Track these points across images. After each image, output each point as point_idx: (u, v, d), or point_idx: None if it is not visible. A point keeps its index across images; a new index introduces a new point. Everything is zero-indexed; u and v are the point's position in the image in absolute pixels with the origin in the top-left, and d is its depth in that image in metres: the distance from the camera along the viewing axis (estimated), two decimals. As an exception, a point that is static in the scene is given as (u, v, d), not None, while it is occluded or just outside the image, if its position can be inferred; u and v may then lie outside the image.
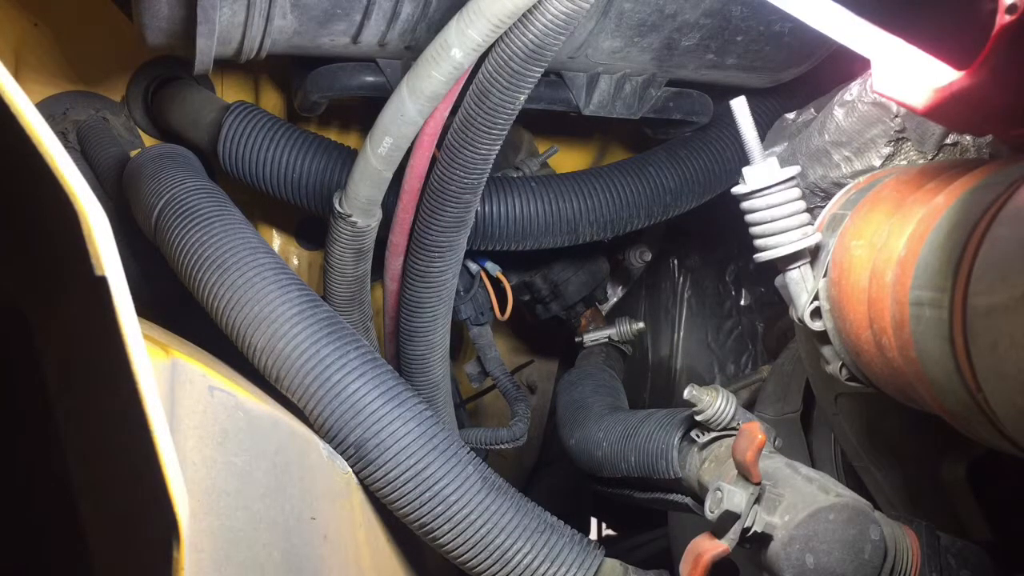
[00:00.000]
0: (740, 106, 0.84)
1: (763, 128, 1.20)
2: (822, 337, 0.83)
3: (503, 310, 1.40)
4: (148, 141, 1.42)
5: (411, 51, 1.13)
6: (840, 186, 0.96)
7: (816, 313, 0.82)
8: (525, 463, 1.72)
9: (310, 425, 0.94)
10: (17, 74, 1.32)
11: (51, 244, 0.64)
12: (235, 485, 0.77)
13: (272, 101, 1.44)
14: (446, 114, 1.04)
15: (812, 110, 1.18)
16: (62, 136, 1.36)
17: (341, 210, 1.12)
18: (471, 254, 1.35)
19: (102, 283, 0.63)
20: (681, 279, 1.58)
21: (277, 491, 0.83)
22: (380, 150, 1.04)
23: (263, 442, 0.83)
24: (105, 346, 0.61)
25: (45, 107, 1.35)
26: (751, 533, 0.77)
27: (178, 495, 0.58)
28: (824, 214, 0.87)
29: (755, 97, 1.16)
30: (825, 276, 0.82)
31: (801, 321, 0.83)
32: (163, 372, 0.74)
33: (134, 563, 0.67)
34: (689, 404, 0.93)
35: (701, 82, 1.32)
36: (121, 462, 0.66)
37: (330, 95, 1.22)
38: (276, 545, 0.80)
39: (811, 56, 1.29)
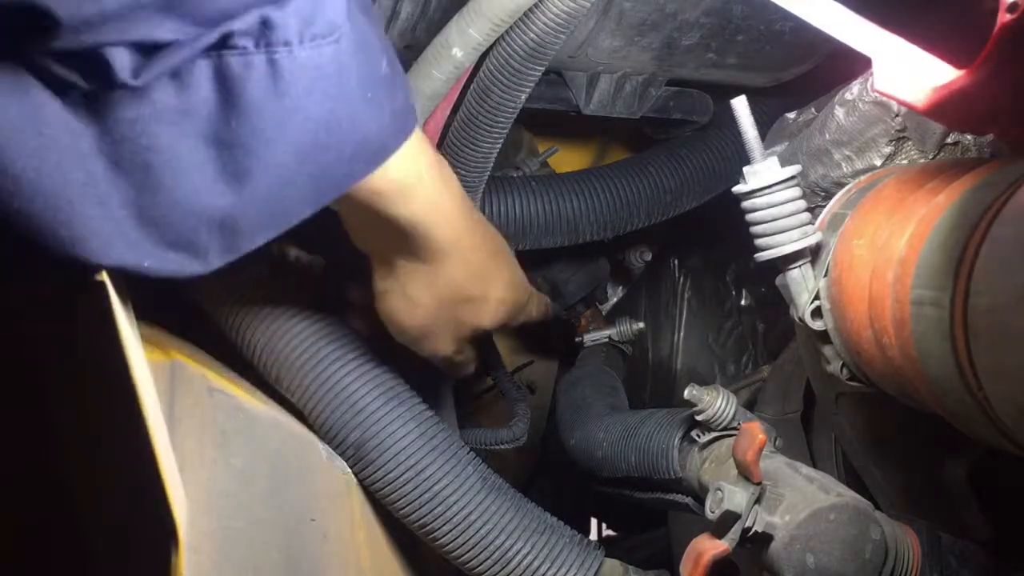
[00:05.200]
0: (740, 105, 0.83)
1: (763, 127, 1.20)
2: (823, 336, 0.83)
3: (503, 310, 1.39)
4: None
5: (411, 50, 1.13)
6: (841, 185, 0.96)
7: (817, 312, 0.82)
8: (525, 463, 1.72)
9: (310, 426, 0.93)
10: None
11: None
12: (234, 486, 0.77)
13: (272, 101, 1.43)
14: (447, 114, 1.04)
15: (813, 109, 1.18)
16: None
17: (341, 210, 1.12)
18: (471, 254, 1.34)
19: (100, 287, 0.63)
20: (681, 279, 1.58)
21: (276, 492, 0.82)
22: (380, 150, 1.04)
23: (263, 443, 0.83)
24: (104, 351, 0.61)
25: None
26: (752, 533, 0.77)
27: (177, 501, 0.58)
28: (825, 213, 0.87)
29: (756, 96, 1.16)
30: (826, 275, 0.82)
31: (801, 321, 0.83)
32: (162, 373, 0.74)
33: (133, 566, 0.67)
34: (689, 404, 0.93)
35: (701, 81, 1.32)
36: (120, 467, 0.66)
37: (330, 95, 1.21)
38: (275, 546, 0.80)
39: (812, 55, 1.29)
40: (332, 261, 1.18)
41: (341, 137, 0.69)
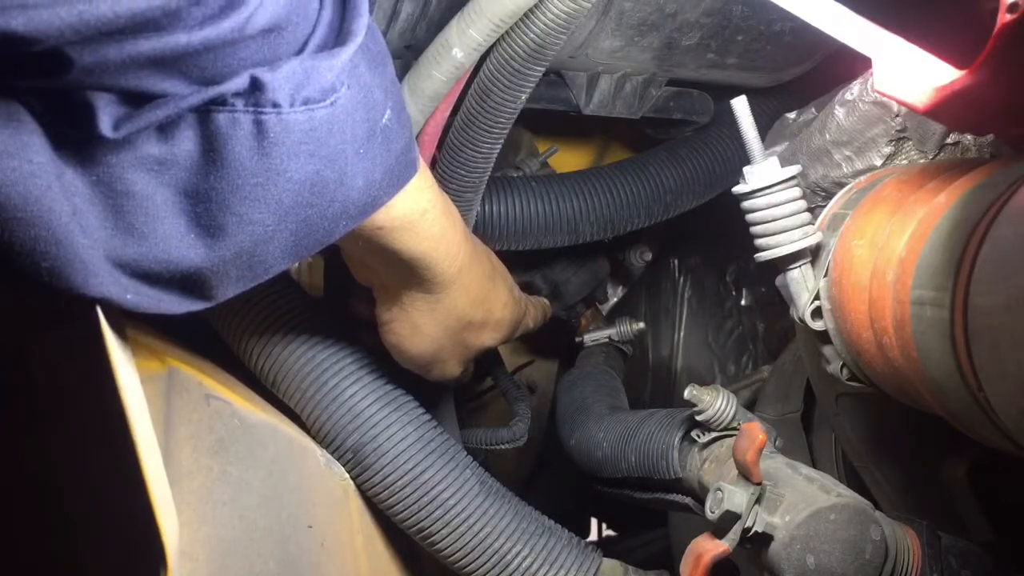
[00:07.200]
0: (741, 105, 0.83)
1: (763, 127, 1.20)
2: (823, 337, 0.83)
3: (503, 310, 1.39)
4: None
5: (411, 51, 1.13)
6: (841, 185, 0.96)
7: (817, 313, 0.82)
8: (525, 463, 1.72)
9: (308, 431, 0.93)
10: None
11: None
12: (231, 494, 0.77)
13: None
14: (447, 114, 1.04)
15: (813, 109, 1.18)
16: None
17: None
18: (471, 254, 1.34)
19: (91, 309, 0.63)
20: (681, 279, 1.58)
21: (274, 499, 0.82)
22: (380, 150, 1.04)
23: (260, 450, 0.82)
24: (96, 373, 0.61)
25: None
26: (752, 533, 0.77)
27: (167, 525, 0.58)
28: (825, 213, 0.87)
29: (756, 96, 1.16)
30: (826, 276, 0.82)
31: (802, 321, 0.83)
32: (159, 381, 0.73)
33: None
34: (690, 404, 0.93)
35: (702, 81, 1.31)
36: (113, 486, 0.66)
37: (330, 95, 1.21)
38: (272, 554, 0.80)
39: (812, 55, 1.29)
40: (334, 265, 1.18)
41: (327, 196, 0.68)
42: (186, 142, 0.61)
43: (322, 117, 0.65)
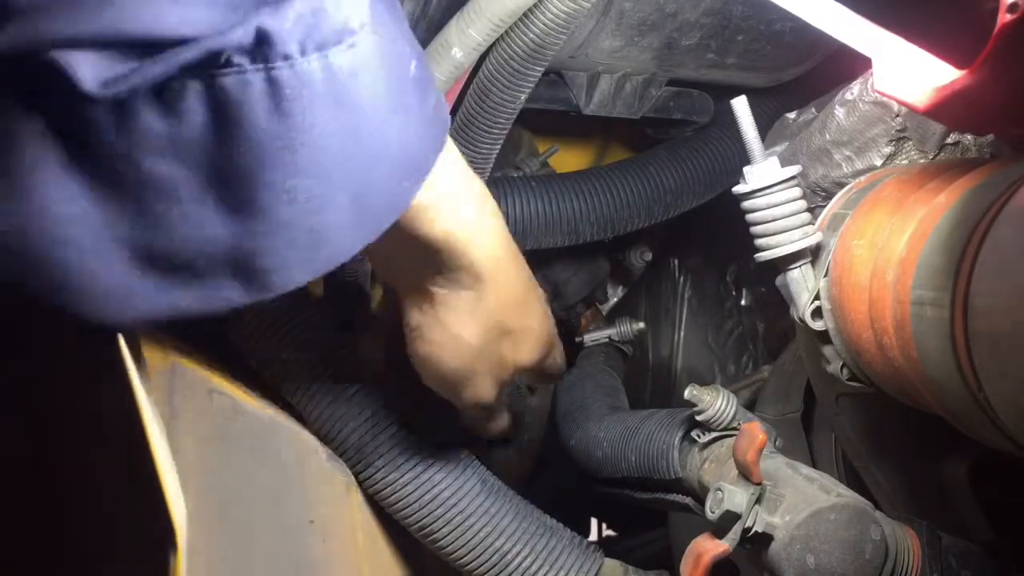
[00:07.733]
0: (740, 105, 0.83)
1: (763, 127, 1.20)
2: (823, 337, 0.83)
3: (503, 310, 1.39)
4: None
5: (411, 51, 1.13)
6: (841, 185, 0.96)
7: (817, 313, 0.82)
8: (525, 464, 1.72)
9: (310, 427, 0.93)
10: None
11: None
12: (232, 489, 0.77)
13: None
14: (446, 114, 1.04)
15: (813, 109, 1.18)
16: None
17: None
18: (471, 254, 1.34)
19: None
20: (681, 279, 1.58)
21: (275, 495, 0.82)
22: (380, 150, 1.04)
23: (262, 446, 0.83)
24: (98, 366, 0.61)
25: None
26: (752, 533, 0.77)
27: (176, 506, 0.57)
28: (825, 213, 0.87)
29: (756, 96, 1.16)
30: (826, 276, 0.82)
31: (802, 321, 0.83)
32: (162, 375, 0.73)
33: (132, 571, 0.67)
34: (690, 404, 0.93)
35: (702, 81, 1.32)
36: (119, 471, 0.66)
37: (330, 95, 1.21)
38: (272, 550, 0.80)
39: (812, 55, 1.29)
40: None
41: (372, 151, 0.61)
42: (194, 114, 0.55)
43: (342, 63, 0.58)
